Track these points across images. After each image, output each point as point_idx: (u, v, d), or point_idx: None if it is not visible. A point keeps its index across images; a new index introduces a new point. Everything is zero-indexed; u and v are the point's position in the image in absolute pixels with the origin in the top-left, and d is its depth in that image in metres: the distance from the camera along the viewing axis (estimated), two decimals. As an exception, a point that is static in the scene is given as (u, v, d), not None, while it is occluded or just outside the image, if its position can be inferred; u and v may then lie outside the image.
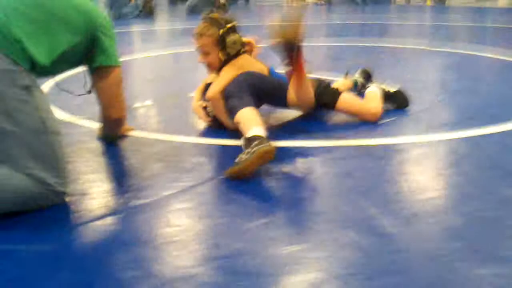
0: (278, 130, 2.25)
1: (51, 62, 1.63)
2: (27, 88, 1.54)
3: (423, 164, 1.87)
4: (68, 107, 2.66)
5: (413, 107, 2.55)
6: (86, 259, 1.28)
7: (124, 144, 2.15)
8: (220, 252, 1.29)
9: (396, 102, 2.56)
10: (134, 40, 6.08)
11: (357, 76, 2.84)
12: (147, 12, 8.48)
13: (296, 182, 1.74)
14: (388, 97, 2.55)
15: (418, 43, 4.92)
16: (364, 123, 2.31)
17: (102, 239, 1.38)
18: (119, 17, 8.41)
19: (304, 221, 1.45)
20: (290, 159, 1.93)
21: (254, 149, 1.73)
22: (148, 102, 2.88)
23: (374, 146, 2.05)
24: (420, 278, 1.15)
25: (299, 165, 1.89)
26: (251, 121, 1.91)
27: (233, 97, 2.05)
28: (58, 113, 2.62)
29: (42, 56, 1.59)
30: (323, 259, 1.24)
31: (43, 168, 1.53)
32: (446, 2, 10.82)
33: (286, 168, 1.84)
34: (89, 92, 1.96)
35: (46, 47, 1.61)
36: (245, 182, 1.71)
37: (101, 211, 1.53)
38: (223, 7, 9.09)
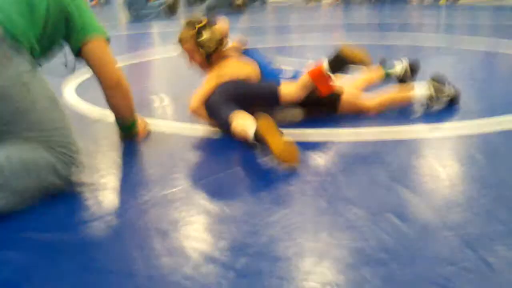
0: (303, 123, 2.26)
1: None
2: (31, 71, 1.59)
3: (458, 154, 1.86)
4: (100, 102, 2.72)
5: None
6: (103, 250, 1.31)
7: (150, 139, 2.18)
8: (256, 240, 1.31)
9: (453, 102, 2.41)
10: (155, 39, 6.14)
11: (395, 69, 2.74)
12: (169, 12, 8.53)
13: (330, 174, 1.75)
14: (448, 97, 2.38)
15: (438, 41, 4.90)
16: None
17: (132, 228, 1.41)
18: (138, 18, 8.49)
19: (337, 208, 1.47)
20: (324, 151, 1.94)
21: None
22: (167, 99, 2.91)
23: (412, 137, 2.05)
24: (460, 261, 1.16)
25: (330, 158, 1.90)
26: (246, 126, 1.90)
27: (218, 109, 2.06)
28: (90, 108, 2.67)
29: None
30: (357, 243, 1.25)
31: (60, 134, 1.61)
32: (459, 1, 10.71)
33: (324, 160, 1.85)
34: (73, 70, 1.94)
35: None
36: (270, 171, 1.74)
37: (123, 203, 1.56)
38: (239, 8, 9.14)
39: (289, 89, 2.15)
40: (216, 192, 1.61)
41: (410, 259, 1.19)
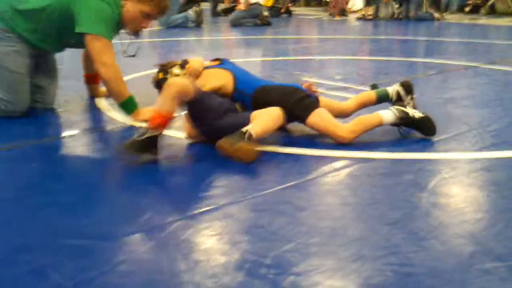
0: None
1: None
2: None
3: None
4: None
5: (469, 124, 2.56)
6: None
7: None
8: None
9: (422, 129, 2.33)
10: (186, 48, 6.22)
11: (393, 88, 2.56)
12: (197, 23, 8.62)
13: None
14: (412, 123, 2.32)
15: (468, 60, 4.89)
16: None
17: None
18: (168, 25, 8.60)
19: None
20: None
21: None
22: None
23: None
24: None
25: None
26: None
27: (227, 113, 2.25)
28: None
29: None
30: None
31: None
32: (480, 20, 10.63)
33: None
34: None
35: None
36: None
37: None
38: (265, 20, 9.19)
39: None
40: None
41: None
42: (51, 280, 1.25)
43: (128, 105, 2.62)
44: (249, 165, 2.03)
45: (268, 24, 9.18)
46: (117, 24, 2.65)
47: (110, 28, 2.57)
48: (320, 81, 3.79)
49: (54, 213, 1.65)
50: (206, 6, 11.12)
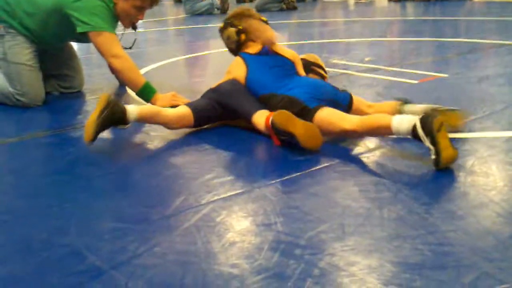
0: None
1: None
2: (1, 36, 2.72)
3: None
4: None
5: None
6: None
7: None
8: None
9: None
10: (212, 35, 6.22)
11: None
12: (220, 9, 8.63)
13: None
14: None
15: (501, 38, 4.75)
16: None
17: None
18: (193, 13, 8.61)
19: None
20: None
21: None
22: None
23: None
24: None
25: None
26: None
27: (239, 99, 2.24)
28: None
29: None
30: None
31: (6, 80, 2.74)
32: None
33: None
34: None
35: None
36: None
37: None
38: (291, 4, 9.11)
39: (259, 121, 2.11)
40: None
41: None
42: (88, 262, 1.27)
43: (146, 92, 2.63)
44: (280, 147, 2.01)
45: (294, 8, 9.12)
46: (114, 17, 2.68)
47: (108, 20, 2.62)
48: (350, 63, 3.74)
49: (90, 197, 1.68)
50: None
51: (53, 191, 1.75)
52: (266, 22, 2.55)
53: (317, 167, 1.82)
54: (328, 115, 2.03)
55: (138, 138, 2.28)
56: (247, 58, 2.39)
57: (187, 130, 2.27)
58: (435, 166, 1.72)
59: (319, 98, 2.14)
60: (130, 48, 2.95)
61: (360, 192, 1.62)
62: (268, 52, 2.42)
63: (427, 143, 1.70)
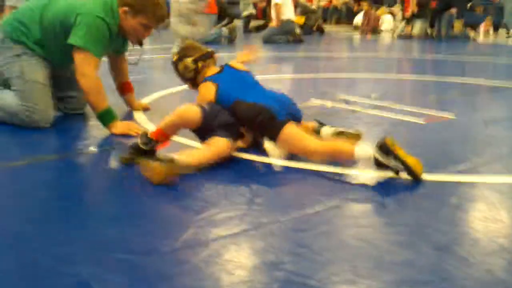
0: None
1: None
2: (18, 56, 2.78)
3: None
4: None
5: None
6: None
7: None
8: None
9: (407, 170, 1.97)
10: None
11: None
12: (230, 39, 8.73)
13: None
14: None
15: (508, 80, 4.79)
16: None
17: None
18: (201, 41, 8.71)
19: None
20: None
21: None
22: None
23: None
24: None
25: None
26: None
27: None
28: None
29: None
30: None
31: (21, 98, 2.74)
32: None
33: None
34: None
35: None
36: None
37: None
38: (297, 37, 9.22)
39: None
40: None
41: None
42: (96, 293, 1.25)
43: (104, 117, 2.70)
44: (289, 183, 2.01)
45: (300, 41, 9.22)
46: (116, 35, 2.76)
47: (100, 45, 2.68)
48: (355, 99, 3.76)
49: (98, 225, 1.66)
50: (238, 23, 11.24)
51: (60, 217, 1.73)
52: (212, 53, 2.63)
53: (327, 206, 1.81)
54: (295, 132, 2.19)
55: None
56: (213, 78, 2.47)
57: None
58: (414, 178, 1.96)
59: (284, 110, 2.27)
60: (136, 64, 3.02)
61: (372, 234, 1.61)
62: (230, 68, 2.55)
63: (392, 162, 1.94)
